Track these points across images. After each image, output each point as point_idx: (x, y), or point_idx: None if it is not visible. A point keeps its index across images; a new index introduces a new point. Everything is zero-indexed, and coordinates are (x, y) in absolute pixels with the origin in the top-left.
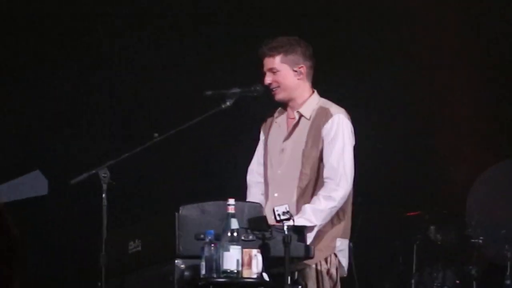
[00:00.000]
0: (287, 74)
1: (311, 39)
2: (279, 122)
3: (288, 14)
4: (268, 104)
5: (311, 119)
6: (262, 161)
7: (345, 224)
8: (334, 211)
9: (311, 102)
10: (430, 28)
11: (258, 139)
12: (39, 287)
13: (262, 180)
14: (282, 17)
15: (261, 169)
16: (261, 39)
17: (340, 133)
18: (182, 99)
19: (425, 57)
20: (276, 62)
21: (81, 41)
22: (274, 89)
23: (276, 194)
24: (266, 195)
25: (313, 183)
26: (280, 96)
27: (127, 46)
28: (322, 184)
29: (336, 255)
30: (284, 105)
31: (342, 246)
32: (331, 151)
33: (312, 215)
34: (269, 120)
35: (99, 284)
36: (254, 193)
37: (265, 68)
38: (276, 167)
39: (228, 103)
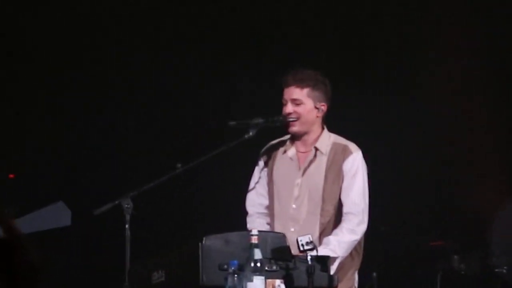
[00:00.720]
0: (310, 108)
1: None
2: (290, 156)
3: (310, 45)
4: (269, 133)
5: (327, 154)
6: (262, 192)
7: (361, 257)
8: (354, 244)
9: (324, 138)
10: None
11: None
12: None
13: (264, 211)
14: (304, 51)
15: (262, 200)
16: (281, 70)
17: (360, 170)
18: (206, 130)
19: (446, 85)
20: (303, 94)
21: (107, 73)
22: (292, 121)
23: (292, 229)
24: (273, 227)
25: (333, 218)
26: (296, 128)
27: (151, 75)
28: (341, 220)
29: None
30: (293, 138)
31: (356, 278)
32: (352, 187)
33: (337, 246)
34: (273, 151)
35: None
36: (261, 224)
37: (286, 97)
38: (288, 201)
39: (251, 133)
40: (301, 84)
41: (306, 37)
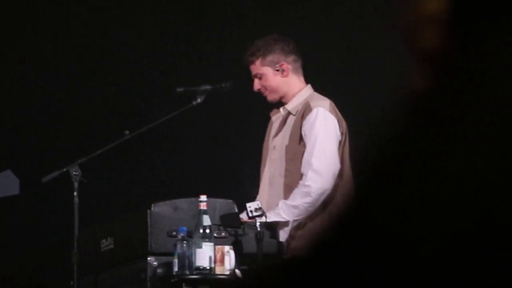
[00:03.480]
0: (270, 76)
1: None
2: (274, 120)
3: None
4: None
5: (297, 114)
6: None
7: (328, 220)
8: (311, 207)
9: (298, 98)
10: None
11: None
12: (11, 286)
13: None
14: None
15: None
16: (235, 33)
17: (315, 127)
18: (153, 96)
19: None
20: (257, 67)
21: (53, 34)
22: (264, 94)
23: (271, 192)
24: (262, 192)
25: (299, 179)
26: (270, 98)
27: (97, 40)
28: None
29: None
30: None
31: None
32: (307, 146)
33: (284, 210)
34: (270, 121)
35: (72, 282)
36: (259, 194)
37: (252, 75)
38: (270, 165)
39: (199, 100)
40: (251, 58)
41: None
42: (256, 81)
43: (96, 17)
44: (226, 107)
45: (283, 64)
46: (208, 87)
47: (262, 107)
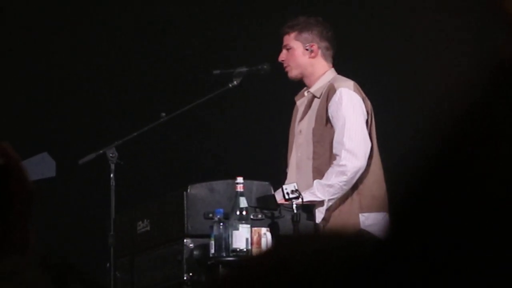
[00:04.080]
0: (299, 51)
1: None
2: (299, 104)
3: None
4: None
5: (321, 97)
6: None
7: (368, 198)
8: (346, 186)
9: (322, 80)
10: None
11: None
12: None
13: None
14: None
15: None
16: (274, 17)
17: (342, 107)
18: (190, 79)
19: None
20: (290, 39)
21: (89, 22)
22: (286, 67)
23: (298, 176)
24: (290, 177)
25: (328, 161)
26: (291, 74)
27: (134, 25)
28: None
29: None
30: (301, 84)
31: (368, 221)
32: (336, 127)
33: (320, 189)
34: (295, 106)
35: (108, 264)
36: (288, 179)
37: (282, 46)
38: (297, 149)
39: (235, 82)
40: (289, 30)
41: None
42: (284, 52)
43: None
44: (263, 89)
45: (313, 45)
46: (244, 69)
47: (299, 89)
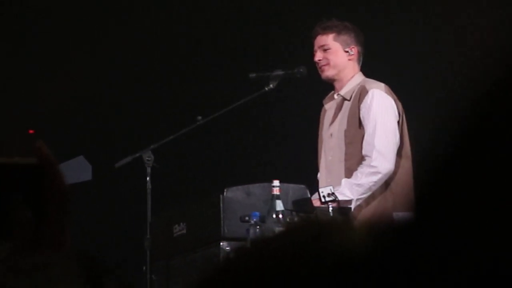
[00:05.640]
0: (338, 52)
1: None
2: (328, 108)
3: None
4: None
5: (351, 99)
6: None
7: (401, 196)
8: (374, 187)
9: (351, 83)
10: None
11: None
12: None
13: None
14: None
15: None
16: (308, 22)
17: (373, 108)
18: (226, 82)
19: None
20: (328, 39)
21: (123, 25)
22: (322, 66)
23: (329, 180)
24: (321, 181)
25: (359, 162)
26: (327, 73)
27: (171, 29)
28: None
29: None
30: (331, 87)
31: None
32: (367, 128)
33: (349, 188)
34: (322, 110)
35: (144, 268)
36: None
37: (316, 47)
38: (327, 153)
39: (271, 86)
40: (326, 31)
41: None
42: (320, 52)
43: (167, 3)
44: (299, 93)
45: (354, 47)
46: (280, 72)
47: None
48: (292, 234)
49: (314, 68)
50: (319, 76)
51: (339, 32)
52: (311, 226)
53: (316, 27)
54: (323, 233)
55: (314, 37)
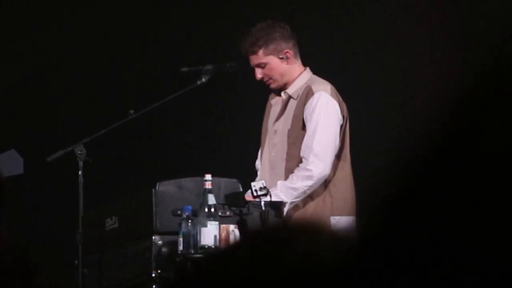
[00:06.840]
0: (274, 64)
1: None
2: (274, 103)
3: None
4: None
5: (298, 99)
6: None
7: (340, 200)
8: (309, 191)
9: (298, 82)
10: None
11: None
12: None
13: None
14: None
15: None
16: (238, 14)
17: (316, 111)
18: (158, 76)
19: None
20: (260, 57)
21: (58, 17)
22: (267, 82)
23: (273, 176)
24: (264, 175)
25: (300, 164)
26: (274, 85)
27: (100, 22)
28: None
29: None
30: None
31: (339, 224)
32: (308, 130)
33: (283, 191)
34: (268, 102)
35: (76, 262)
36: (259, 177)
37: (251, 64)
38: (271, 149)
39: (203, 80)
40: (253, 48)
41: None
42: (259, 70)
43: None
44: (231, 87)
45: (287, 51)
46: (211, 66)
47: (266, 87)
48: (260, 238)
49: (245, 63)
50: (251, 70)
51: (266, 45)
52: (281, 231)
53: (242, 44)
54: (292, 238)
55: (246, 56)
